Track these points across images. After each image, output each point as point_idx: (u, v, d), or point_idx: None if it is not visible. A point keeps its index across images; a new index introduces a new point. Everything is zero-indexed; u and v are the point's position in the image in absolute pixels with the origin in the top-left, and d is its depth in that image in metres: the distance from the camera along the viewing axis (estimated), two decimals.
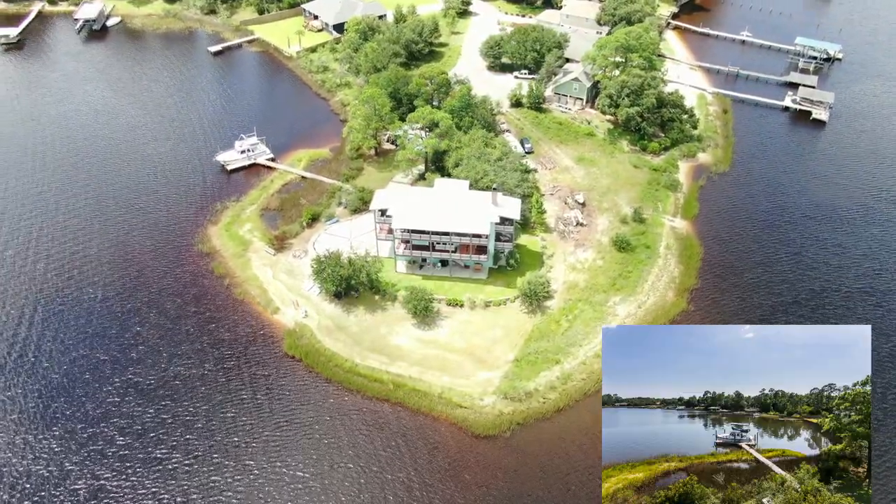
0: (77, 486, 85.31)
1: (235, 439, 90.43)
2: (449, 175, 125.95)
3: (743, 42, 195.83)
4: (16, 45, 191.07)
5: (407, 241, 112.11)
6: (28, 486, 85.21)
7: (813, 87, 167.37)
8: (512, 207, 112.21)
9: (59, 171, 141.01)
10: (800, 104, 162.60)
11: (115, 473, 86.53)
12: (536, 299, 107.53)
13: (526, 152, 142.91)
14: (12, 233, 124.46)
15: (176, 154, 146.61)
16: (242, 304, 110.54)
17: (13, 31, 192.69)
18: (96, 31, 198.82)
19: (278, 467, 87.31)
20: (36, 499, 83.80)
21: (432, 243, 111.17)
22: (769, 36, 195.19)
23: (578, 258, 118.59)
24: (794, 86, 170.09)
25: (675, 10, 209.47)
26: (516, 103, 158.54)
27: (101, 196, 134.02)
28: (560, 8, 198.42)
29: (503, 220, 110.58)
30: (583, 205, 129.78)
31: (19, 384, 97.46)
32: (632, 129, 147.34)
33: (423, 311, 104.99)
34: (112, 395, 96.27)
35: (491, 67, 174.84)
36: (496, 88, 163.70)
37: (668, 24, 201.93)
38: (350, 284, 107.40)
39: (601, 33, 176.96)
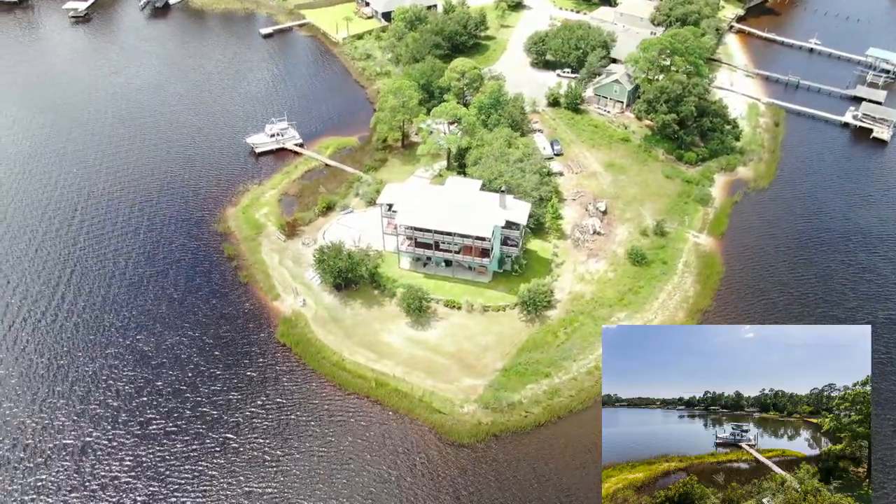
0: (66, 442, 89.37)
1: (221, 415, 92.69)
2: (464, 174, 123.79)
3: (810, 50, 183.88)
4: (83, 19, 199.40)
5: (411, 238, 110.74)
6: (20, 437, 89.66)
7: (879, 104, 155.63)
8: (520, 211, 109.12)
9: (105, 140, 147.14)
10: (861, 120, 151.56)
11: (102, 433, 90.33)
12: (535, 308, 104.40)
13: (554, 154, 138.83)
14: (59, 196, 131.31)
15: (211, 132, 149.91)
16: (246, 287, 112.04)
17: (82, 6, 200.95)
18: (159, 9, 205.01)
19: (257, 444, 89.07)
20: (25, 452, 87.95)
21: (435, 242, 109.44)
22: (840, 45, 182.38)
23: (589, 269, 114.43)
24: (858, 100, 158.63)
25: (741, 12, 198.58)
26: (554, 102, 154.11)
27: (139, 167, 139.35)
28: (616, 5, 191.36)
29: (509, 224, 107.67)
30: (604, 213, 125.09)
31: (30, 340, 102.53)
32: (669, 137, 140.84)
33: (417, 311, 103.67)
34: (112, 357, 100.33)
35: (534, 64, 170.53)
36: (537, 86, 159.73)
37: (731, 27, 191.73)
38: (347, 277, 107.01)
39: (655, 34, 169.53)
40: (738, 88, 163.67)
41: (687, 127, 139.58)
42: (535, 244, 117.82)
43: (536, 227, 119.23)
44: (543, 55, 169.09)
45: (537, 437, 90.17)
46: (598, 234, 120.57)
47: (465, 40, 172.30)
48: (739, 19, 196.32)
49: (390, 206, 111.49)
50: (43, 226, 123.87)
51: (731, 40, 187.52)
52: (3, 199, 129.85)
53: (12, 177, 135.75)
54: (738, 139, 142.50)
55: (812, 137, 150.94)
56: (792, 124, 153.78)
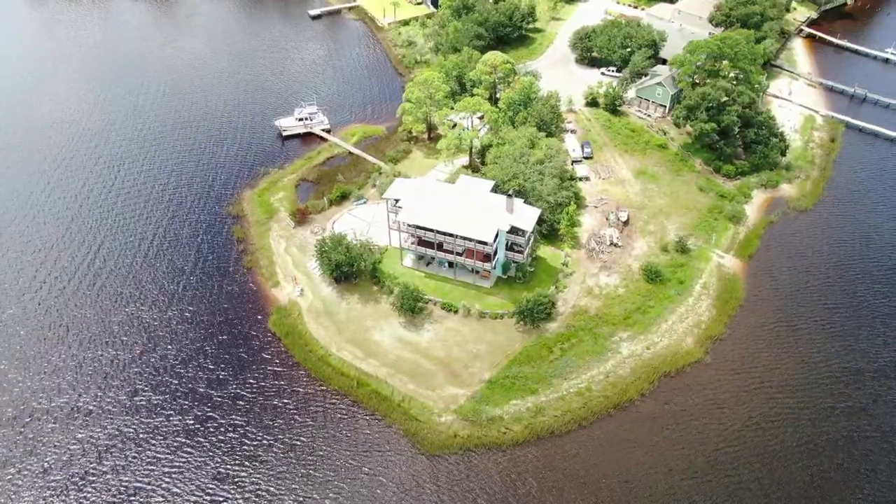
0: (60, 402, 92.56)
1: (207, 392, 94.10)
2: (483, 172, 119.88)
3: (886, 61, 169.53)
4: None
5: (415, 236, 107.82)
6: (15, 395, 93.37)
7: None
8: (527, 217, 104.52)
9: (147, 112, 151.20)
10: None
11: (92, 397, 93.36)
12: (533, 319, 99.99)
13: (584, 157, 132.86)
14: (101, 164, 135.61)
15: (245, 111, 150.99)
16: (249, 271, 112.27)
17: None
18: None
19: (236, 426, 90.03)
20: (19, 409, 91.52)
21: (438, 243, 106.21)
22: None
23: (599, 282, 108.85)
24: None
25: (814, 15, 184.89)
26: (592, 102, 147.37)
27: (174, 140, 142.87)
28: (675, 2, 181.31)
29: (515, 230, 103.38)
30: (625, 223, 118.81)
31: (50, 302, 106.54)
32: (710, 147, 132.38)
33: (410, 311, 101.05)
34: (116, 325, 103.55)
35: (580, 60, 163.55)
36: (579, 83, 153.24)
37: (800, 31, 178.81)
38: (343, 271, 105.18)
39: (713, 34, 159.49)
40: (796, 98, 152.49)
41: (729, 137, 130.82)
42: (546, 251, 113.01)
43: (550, 234, 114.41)
44: (590, 52, 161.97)
45: (512, 456, 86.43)
46: (615, 245, 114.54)
47: (510, 32, 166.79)
48: (811, 23, 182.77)
49: (397, 201, 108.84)
50: (85, 192, 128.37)
51: (798, 45, 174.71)
52: (52, 164, 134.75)
53: (61, 144, 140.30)
54: (783, 154, 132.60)
55: (870, 156, 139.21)
56: (850, 141, 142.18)
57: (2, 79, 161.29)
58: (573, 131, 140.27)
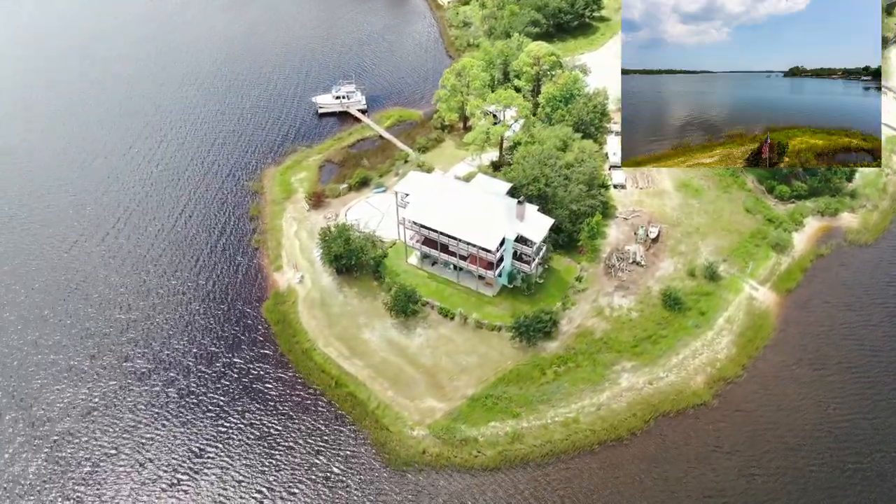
0: (52, 359, 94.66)
1: (195, 367, 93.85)
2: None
3: None
4: None
5: (420, 235, 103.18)
6: (14, 347, 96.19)
7: None
8: (538, 227, 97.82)
9: (199, 77, 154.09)
10: None
11: (85, 357, 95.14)
12: (529, 337, 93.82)
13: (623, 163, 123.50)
14: (146, 133, 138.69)
15: (291, 84, 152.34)
16: (256, 252, 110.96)
17: None
18: None
19: (217, 405, 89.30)
20: (15, 362, 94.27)
21: (443, 244, 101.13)
22: None
23: (612, 302, 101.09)
24: None
25: None
26: None
27: (218, 111, 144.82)
28: None
29: (523, 240, 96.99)
30: (654, 240, 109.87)
31: (66, 260, 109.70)
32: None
33: (402, 313, 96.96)
34: (122, 287, 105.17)
35: None
36: None
37: None
38: (343, 263, 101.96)
39: None
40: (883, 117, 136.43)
41: None
42: (560, 262, 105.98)
43: (568, 244, 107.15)
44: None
45: (479, 482, 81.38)
46: (638, 264, 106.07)
47: (570, 20, 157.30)
48: None
49: (407, 194, 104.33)
50: (130, 155, 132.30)
51: (895, 55, 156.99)
52: (103, 127, 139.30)
53: (115, 107, 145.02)
54: (849, 179, 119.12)
55: None
56: None
57: (62, 39, 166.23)
58: (617, 133, 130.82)
